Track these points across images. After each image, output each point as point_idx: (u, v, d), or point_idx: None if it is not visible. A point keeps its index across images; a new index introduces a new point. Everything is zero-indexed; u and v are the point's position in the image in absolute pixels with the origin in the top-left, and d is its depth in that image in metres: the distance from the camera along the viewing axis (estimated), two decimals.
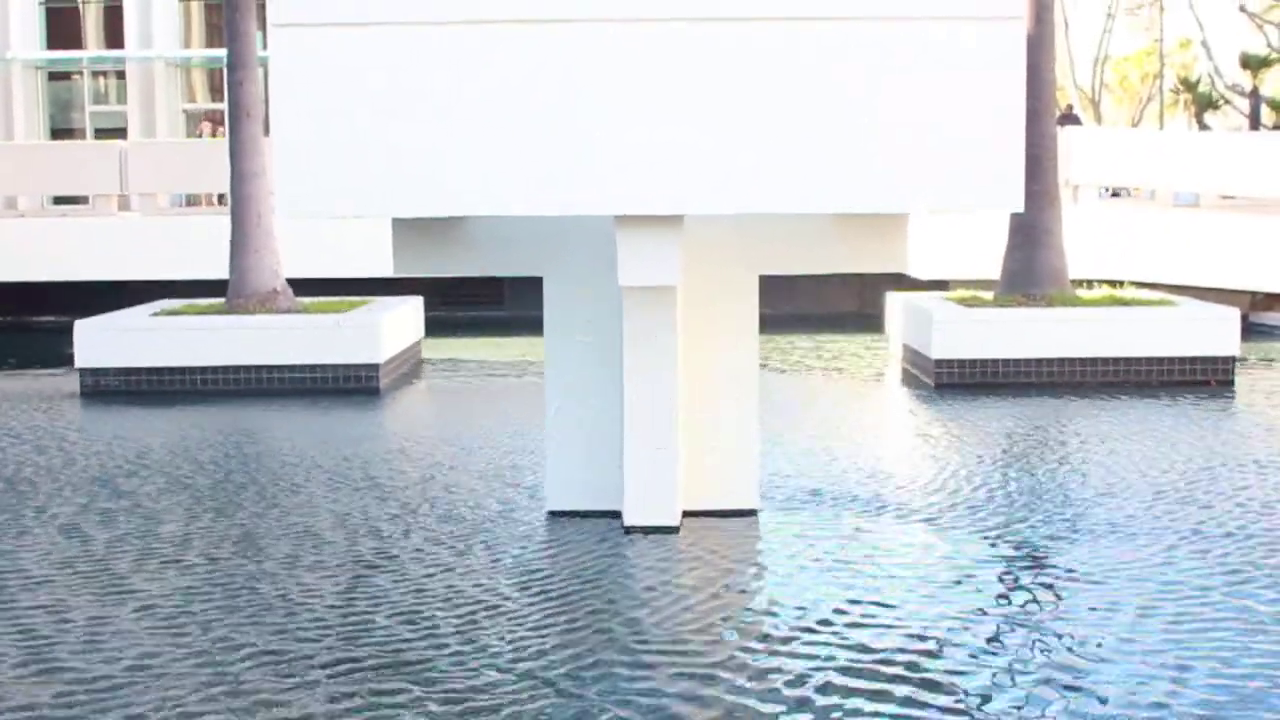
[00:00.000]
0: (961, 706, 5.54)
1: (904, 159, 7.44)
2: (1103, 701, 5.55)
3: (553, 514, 8.78)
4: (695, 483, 8.64)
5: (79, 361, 14.75)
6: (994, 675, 5.89)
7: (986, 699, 5.64)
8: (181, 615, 6.80)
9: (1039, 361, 14.22)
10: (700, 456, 8.65)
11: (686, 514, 8.55)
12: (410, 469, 10.40)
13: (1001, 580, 7.43)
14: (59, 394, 14.52)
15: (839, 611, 6.77)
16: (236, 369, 14.61)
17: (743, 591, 7.24)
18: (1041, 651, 6.18)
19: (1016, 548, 8.00)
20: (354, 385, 14.55)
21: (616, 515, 8.58)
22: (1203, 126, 40.62)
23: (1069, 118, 35.44)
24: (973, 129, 7.49)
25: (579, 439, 8.81)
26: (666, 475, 8.43)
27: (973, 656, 6.13)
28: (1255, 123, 36.28)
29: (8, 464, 10.79)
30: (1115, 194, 29.01)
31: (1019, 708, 5.53)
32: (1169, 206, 23.87)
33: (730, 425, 8.75)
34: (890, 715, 5.45)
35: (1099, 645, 6.22)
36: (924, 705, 5.56)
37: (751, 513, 8.72)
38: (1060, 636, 6.38)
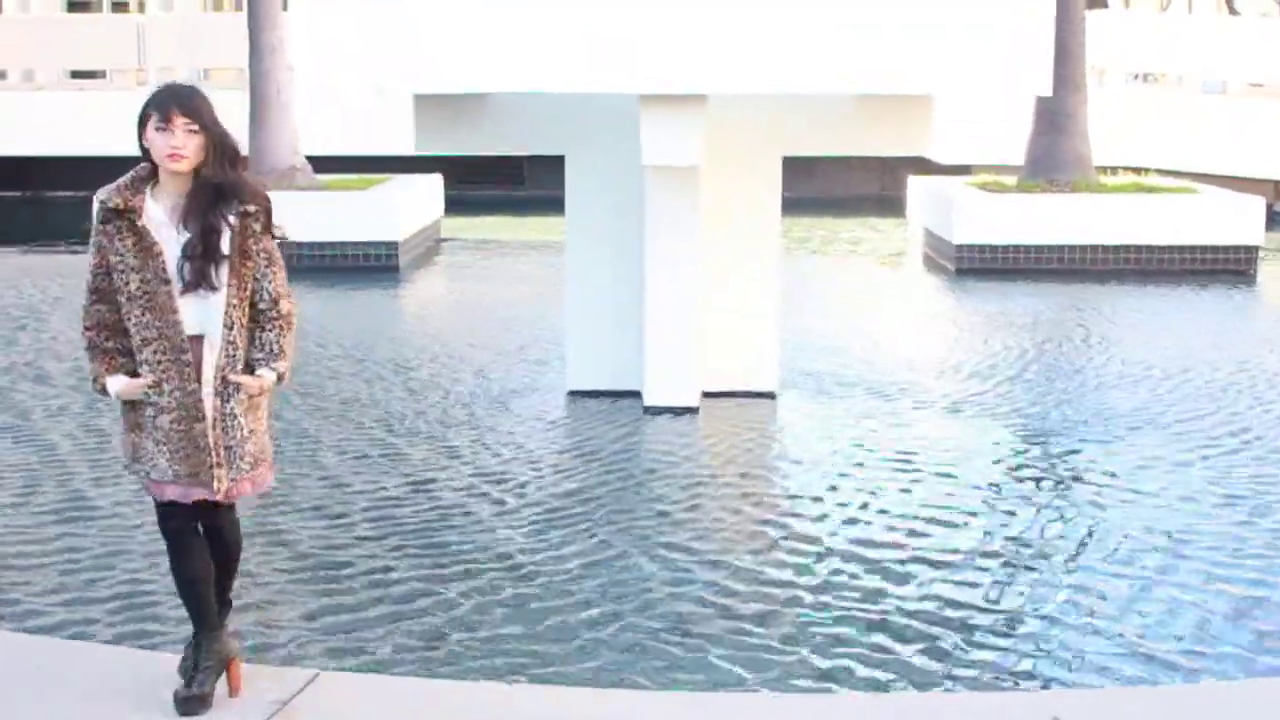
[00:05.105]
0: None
1: (929, 40, 7.36)
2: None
3: (573, 393, 8.83)
4: (715, 364, 8.65)
5: None
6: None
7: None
8: None
9: (1060, 248, 14.14)
10: (720, 338, 8.66)
11: (706, 395, 8.58)
12: (429, 347, 10.43)
13: (1019, 466, 7.50)
14: (78, 271, 14.49)
15: (850, 486, 6.87)
16: None
17: (759, 471, 7.30)
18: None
19: (1033, 434, 8.05)
20: (373, 263, 14.52)
21: (636, 395, 8.62)
22: (1233, 11, 39.88)
23: (1097, 1, 34.83)
24: (1000, 9, 7.40)
25: (599, 319, 8.82)
26: (687, 356, 8.46)
27: (986, 533, 6.22)
28: None
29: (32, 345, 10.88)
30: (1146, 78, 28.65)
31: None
32: (1196, 92, 23.54)
33: (751, 307, 8.74)
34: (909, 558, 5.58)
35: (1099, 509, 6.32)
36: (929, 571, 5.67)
37: (770, 395, 8.76)
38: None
